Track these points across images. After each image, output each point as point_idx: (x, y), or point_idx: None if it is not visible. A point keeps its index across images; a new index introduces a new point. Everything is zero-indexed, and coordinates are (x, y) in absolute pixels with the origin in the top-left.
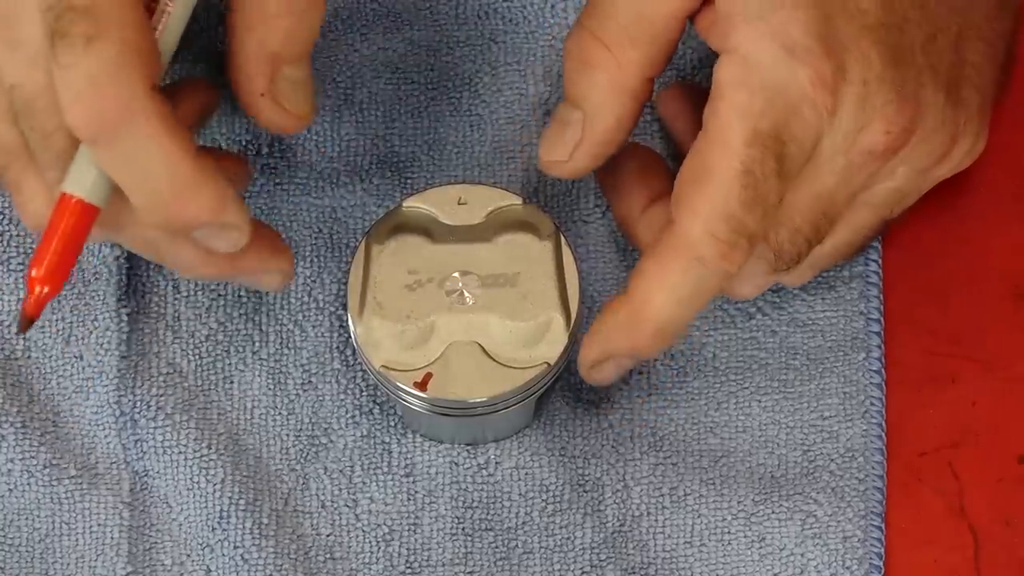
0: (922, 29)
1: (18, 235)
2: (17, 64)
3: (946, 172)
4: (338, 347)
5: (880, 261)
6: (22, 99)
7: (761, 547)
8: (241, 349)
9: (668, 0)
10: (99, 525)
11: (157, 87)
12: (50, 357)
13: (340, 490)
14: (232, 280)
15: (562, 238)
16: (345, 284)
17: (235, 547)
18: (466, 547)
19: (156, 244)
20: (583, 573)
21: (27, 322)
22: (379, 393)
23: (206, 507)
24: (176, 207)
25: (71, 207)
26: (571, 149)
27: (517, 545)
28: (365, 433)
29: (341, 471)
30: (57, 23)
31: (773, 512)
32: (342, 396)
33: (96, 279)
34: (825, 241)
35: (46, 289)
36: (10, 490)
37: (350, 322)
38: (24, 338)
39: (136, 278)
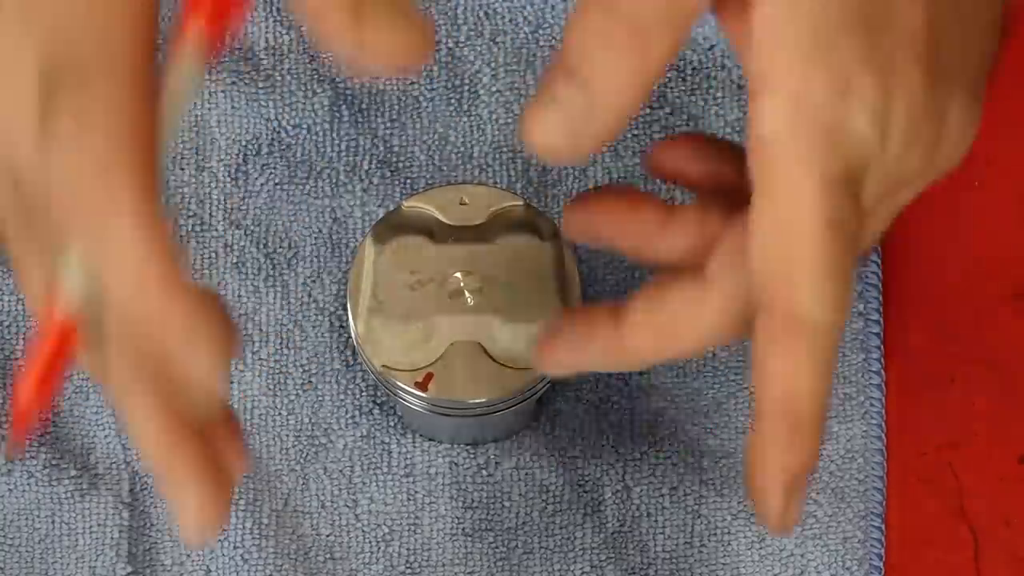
0: (955, 48)
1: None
2: (9, 126)
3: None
4: (338, 347)
5: (880, 262)
6: (13, 165)
7: (761, 548)
8: (241, 349)
9: None
10: (99, 525)
11: (150, 181)
12: None
13: (340, 490)
14: None
15: (563, 239)
16: (345, 284)
17: (235, 547)
18: (466, 548)
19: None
20: (583, 573)
21: (16, 448)
22: (379, 393)
23: None
24: (149, 305)
25: (58, 325)
26: (574, 132)
27: (517, 546)
28: (365, 433)
29: (341, 471)
30: (49, 101)
31: None
32: (342, 396)
33: None
34: None
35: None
36: (10, 490)
37: (350, 322)
38: (24, 338)
39: None
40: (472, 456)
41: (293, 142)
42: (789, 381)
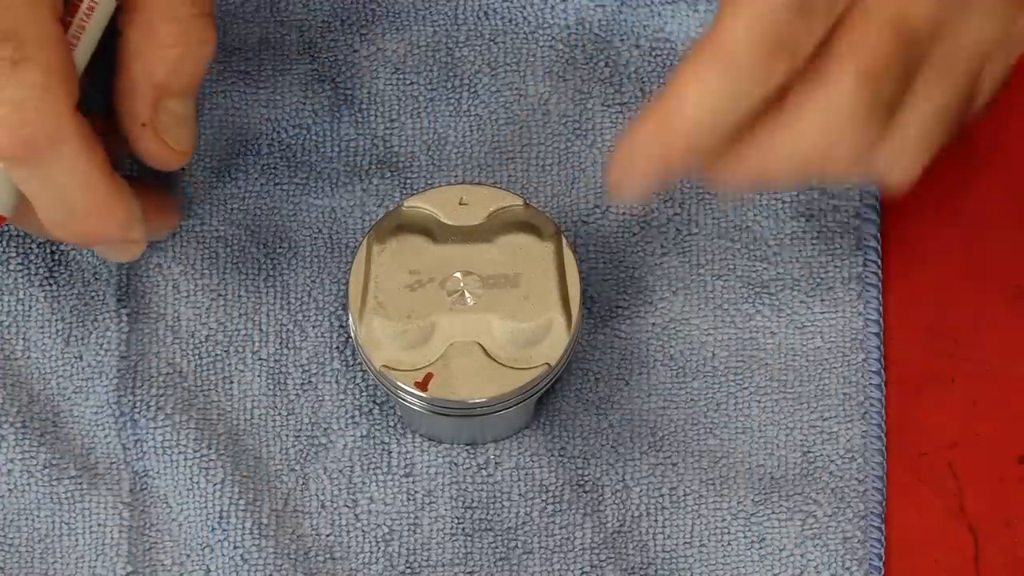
0: None
1: (18, 235)
2: None
3: None
4: (338, 347)
5: (879, 261)
6: None
7: (761, 548)
8: (241, 349)
9: None
10: (99, 525)
11: (78, 109)
12: (50, 357)
13: (340, 490)
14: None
15: (563, 239)
16: (345, 284)
17: (235, 547)
18: (466, 547)
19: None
20: (583, 573)
21: None
22: (379, 393)
23: (206, 507)
24: (86, 225)
25: None
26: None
27: (517, 545)
28: (365, 433)
29: (341, 471)
30: None
31: (773, 513)
32: (342, 396)
33: (96, 279)
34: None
35: None
36: (10, 490)
37: (351, 322)
38: (24, 338)
39: (136, 278)
40: (472, 456)
41: (293, 142)
42: (686, 85)
